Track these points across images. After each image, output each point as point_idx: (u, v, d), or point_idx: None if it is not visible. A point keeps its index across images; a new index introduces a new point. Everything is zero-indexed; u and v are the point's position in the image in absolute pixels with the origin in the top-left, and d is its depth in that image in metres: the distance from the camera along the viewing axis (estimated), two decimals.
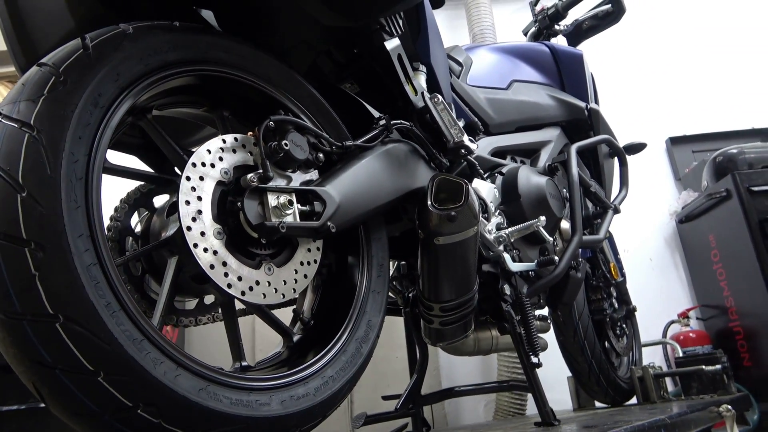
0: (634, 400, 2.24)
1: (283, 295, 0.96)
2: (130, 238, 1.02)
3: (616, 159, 2.08)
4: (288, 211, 0.93)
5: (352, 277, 1.14)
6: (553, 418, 1.36)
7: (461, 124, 1.40)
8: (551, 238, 1.39)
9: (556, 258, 1.46)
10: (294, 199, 0.95)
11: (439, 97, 1.25)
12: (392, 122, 1.22)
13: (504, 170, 1.60)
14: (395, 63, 1.20)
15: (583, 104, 2.05)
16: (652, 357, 3.01)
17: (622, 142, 2.11)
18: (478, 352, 1.52)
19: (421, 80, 1.35)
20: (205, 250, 0.86)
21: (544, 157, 1.82)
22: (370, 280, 1.14)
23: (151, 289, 1.06)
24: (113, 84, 0.82)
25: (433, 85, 1.45)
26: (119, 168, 0.91)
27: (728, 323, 2.88)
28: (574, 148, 1.80)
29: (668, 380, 2.64)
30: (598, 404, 2.34)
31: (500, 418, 2.54)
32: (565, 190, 1.76)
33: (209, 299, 1.14)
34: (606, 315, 2.21)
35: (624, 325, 2.33)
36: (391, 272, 1.64)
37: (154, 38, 0.90)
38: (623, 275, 2.40)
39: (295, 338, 1.06)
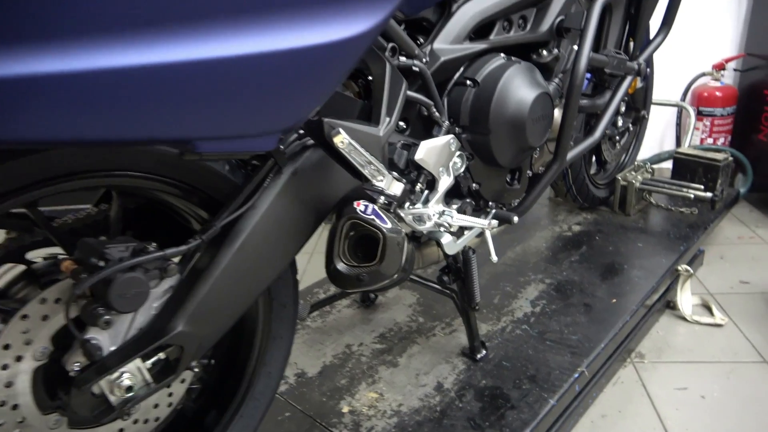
0: None
1: (157, 418, 0.90)
2: None
3: None
4: (129, 394, 0.78)
5: (249, 322, 1.02)
6: (479, 349, 1.41)
7: None
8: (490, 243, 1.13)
9: (515, 217, 1.23)
10: (139, 367, 0.78)
11: (344, 137, 0.82)
12: (288, 149, 0.87)
13: (480, 78, 1.17)
14: None
15: None
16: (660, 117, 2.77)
17: None
18: (424, 265, 1.45)
19: None
20: None
21: (555, 10, 1.30)
22: (270, 324, 1.02)
23: None
24: None
25: None
26: None
27: (765, 87, 2.49)
28: (598, 6, 1.26)
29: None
30: None
31: None
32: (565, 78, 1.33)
33: None
34: (604, 134, 1.95)
35: (627, 130, 2.07)
36: None
37: None
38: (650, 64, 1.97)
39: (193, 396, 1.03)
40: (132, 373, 0.78)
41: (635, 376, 1.59)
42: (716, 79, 2.64)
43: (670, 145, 2.84)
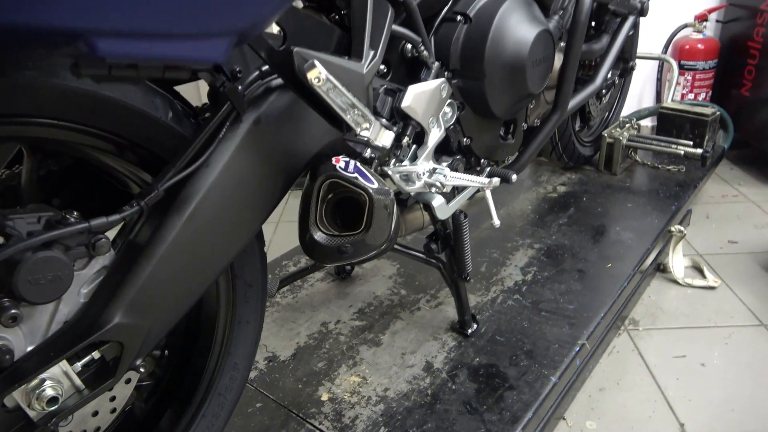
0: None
1: (97, 428, 0.73)
2: None
3: None
4: (54, 406, 0.61)
5: (209, 306, 0.86)
6: (470, 323, 1.28)
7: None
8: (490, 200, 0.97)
9: (514, 175, 1.08)
10: (66, 371, 0.61)
11: (321, 71, 0.64)
12: (248, 90, 0.69)
13: (473, 12, 1.01)
14: None
15: None
16: (639, 71, 2.66)
17: None
18: (406, 233, 1.30)
19: None
20: None
21: None
22: (235, 308, 0.86)
23: None
24: None
25: None
26: None
27: (748, 38, 2.39)
28: None
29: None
30: None
31: None
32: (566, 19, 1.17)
33: None
34: None
35: (613, 83, 1.95)
36: None
37: None
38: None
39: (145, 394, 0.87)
40: (56, 379, 0.61)
41: (631, 345, 1.49)
42: (698, 31, 2.53)
43: (649, 101, 2.74)
